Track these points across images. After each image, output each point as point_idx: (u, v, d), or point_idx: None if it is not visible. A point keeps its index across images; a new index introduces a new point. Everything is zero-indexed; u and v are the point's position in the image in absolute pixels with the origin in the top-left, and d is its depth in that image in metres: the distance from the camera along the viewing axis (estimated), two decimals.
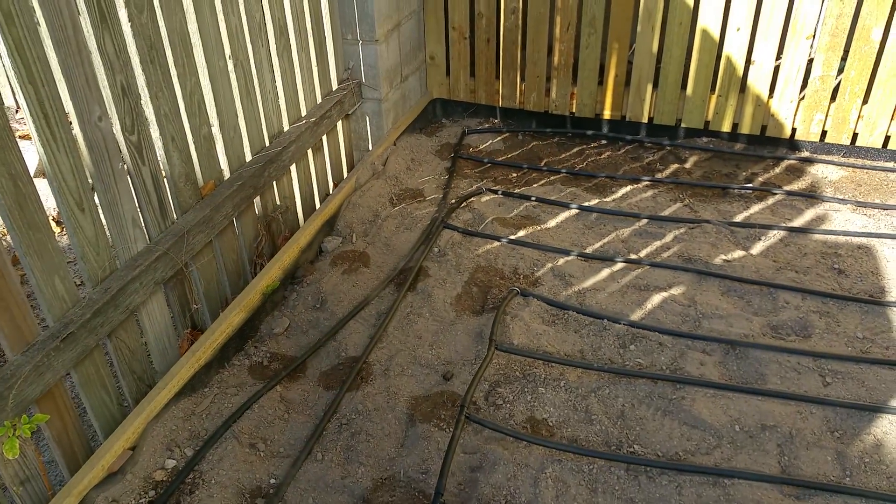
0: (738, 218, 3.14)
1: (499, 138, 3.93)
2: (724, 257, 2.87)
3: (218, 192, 2.49)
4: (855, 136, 3.51)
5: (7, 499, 1.96)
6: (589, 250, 2.98)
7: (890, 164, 3.49)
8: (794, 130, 3.58)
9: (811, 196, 3.26)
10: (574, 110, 3.87)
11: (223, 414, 2.18)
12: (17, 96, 1.76)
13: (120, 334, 2.10)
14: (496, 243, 3.00)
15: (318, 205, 3.21)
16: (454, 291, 2.73)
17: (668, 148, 3.74)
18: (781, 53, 3.44)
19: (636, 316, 2.60)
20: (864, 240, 2.96)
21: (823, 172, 3.47)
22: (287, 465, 2.04)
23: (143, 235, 2.20)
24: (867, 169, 3.47)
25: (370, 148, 3.55)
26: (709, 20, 3.42)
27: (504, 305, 2.60)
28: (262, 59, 2.72)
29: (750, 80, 3.51)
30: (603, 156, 3.73)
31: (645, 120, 3.77)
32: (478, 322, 2.59)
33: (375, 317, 2.61)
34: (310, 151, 3.07)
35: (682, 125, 3.72)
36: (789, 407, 2.20)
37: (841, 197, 3.26)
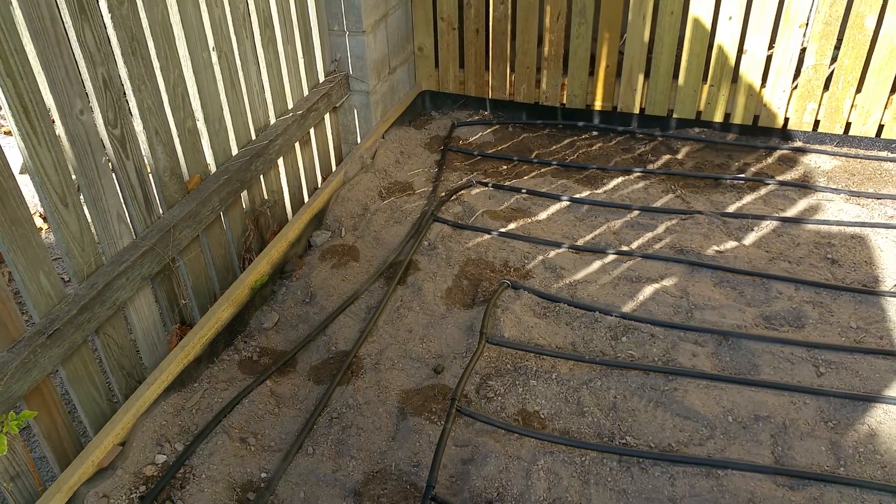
0: (731, 208, 3.18)
1: (489, 130, 3.96)
2: (716, 248, 2.91)
3: (204, 186, 2.51)
4: (848, 125, 3.56)
5: None
6: (580, 242, 3.01)
7: (884, 154, 3.53)
8: (786, 120, 3.62)
9: (804, 186, 3.30)
10: (565, 101, 3.90)
11: (213, 409, 2.21)
12: None
13: (107, 330, 2.12)
14: (486, 236, 3.03)
15: (306, 199, 3.23)
16: (444, 285, 2.76)
17: (660, 139, 3.78)
18: (774, 42, 3.48)
19: (628, 308, 2.63)
20: (857, 229, 3.00)
21: (816, 162, 3.51)
22: (278, 459, 2.07)
23: (128, 231, 2.21)
24: (861, 158, 3.51)
25: (359, 141, 3.57)
26: (700, 9, 3.45)
27: (495, 298, 2.63)
28: (246, 50, 2.73)
29: (742, 70, 3.54)
30: (594, 147, 3.76)
31: (636, 111, 3.80)
32: (468, 315, 2.62)
33: (365, 311, 2.63)
34: (297, 145, 3.09)
35: (674, 116, 3.76)
36: (783, 397, 2.24)
37: (834, 187, 3.30)
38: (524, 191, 3.35)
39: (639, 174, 3.48)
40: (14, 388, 1.77)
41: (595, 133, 3.89)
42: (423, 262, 2.87)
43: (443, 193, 3.33)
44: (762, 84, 3.56)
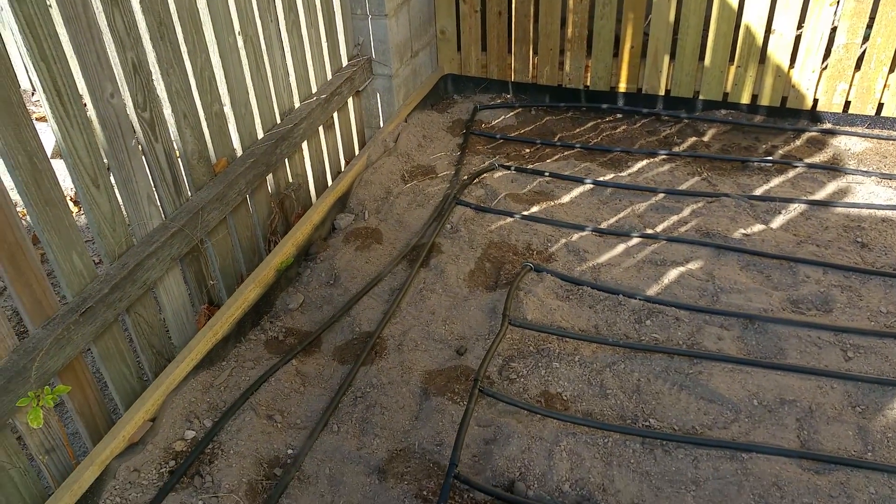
0: (758, 191, 3.15)
1: (511, 114, 3.95)
2: (743, 231, 2.89)
3: (231, 169, 2.55)
4: (881, 106, 3.49)
5: (34, 468, 2.06)
6: (604, 225, 3.01)
7: None
8: (815, 101, 3.57)
9: (833, 168, 3.26)
10: (588, 84, 3.88)
11: (241, 386, 2.26)
12: (30, 75, 1.82)
13: (138, 309, 2.18)
14: (509, 219, 3.04)
15: (330, 182, 3.26)
16: (467, 267, 2.78)
17: (686, 121, 3.74)
18: (803, 21, 3.42)
19: (652, 291, 2.63)
20: (888, 212, 2.96)
21: (846, 144, 3.46)
22: (304, 437, 2.11)
23: (158, 212, 2.26)
24: (893, 140, 3.45)
25: (381, 125, 3.59)
26: None
27: (517, 281, 2.64)
28: (271, 35, 2.76)
29: (770, 50, 3.49)
30: (618, 130, 3.74)
31: (662, 92, 3.77)
32: (491, 298, 2.64)
33: (389, 293, 2.66)
34: (321, 128, 3.12)
35: (700, 97, 3.72)
36: (809, 381, 2.23)
37: (865, 169, 3.25)
38: (547, 174, 3.35)
39: (664, 157, 3.46)
40: (48, 364, 1.84)
41: (619, 115, 3.87)
42: (445, 245, 2.89)
43: (465, 177, 3.34)
44: (791, 64, 3.51)
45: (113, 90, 2.02)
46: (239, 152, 2.64)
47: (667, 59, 3.66)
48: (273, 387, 2.25)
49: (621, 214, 3.08)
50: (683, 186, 3.23)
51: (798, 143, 3.50)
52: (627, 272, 2.74)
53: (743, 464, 2.00)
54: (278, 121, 2.84)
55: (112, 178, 2.07)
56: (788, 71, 3.52)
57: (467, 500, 1.96)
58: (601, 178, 3.30)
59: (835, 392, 2.20)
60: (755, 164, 3.34)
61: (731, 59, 3.59)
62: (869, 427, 2.09)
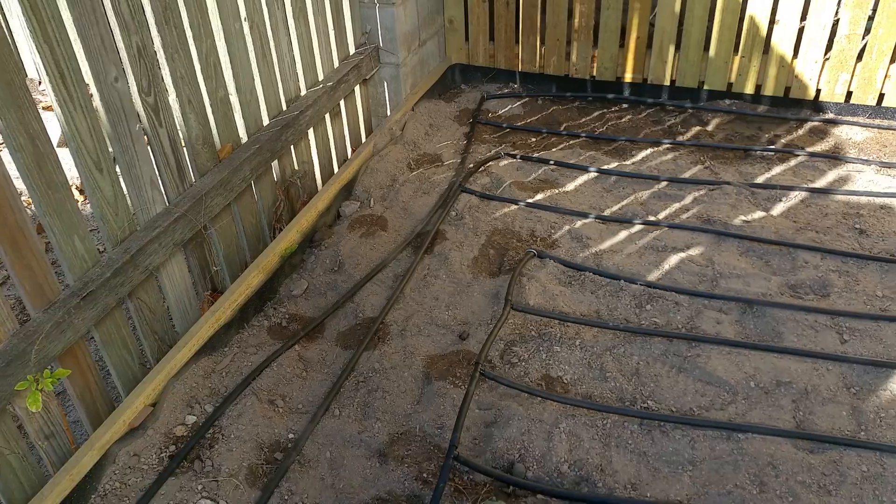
0: (760, 179, 3.07)
1: (518, 103, 3.87)
2: (743, 218, 2.81)
3: (236, 155, 2.49)
4: (881, 96, 3.39)
5: (34, 454, 2.01)
6: (607, 213, 2.94)
7: None
8: (818, 91, 3.47)
9: (834, 157, 3.17)
10: (595, 74, 3.79)
11: (242, 372, 2.21)
12: (34, 60, 1.76)
13: (140, 295, 2.13)
14: (513, 206, 2.97)
15: (336, 170, 3.20)
16: (471, 254, 2.71)
17: (691, 111, 3.65)
18: (807, 12, 3.32)
19: (653, 276, 2.56)
20: (887, 200, 2.87)
21: (848, 134, 3.36)
22: (305, 421, 2.06)
23: (161, 197, 2.21)
24: (893, 130, 3.35)
25: (388, 113, 3.53)
26: None
27: (520, 267, 2.58)
28: (277, 21, 2.70)
29: (774, 41, 3.40)
30: (624, 119, 3.66)
31: (667, 83, 3.68)
32: (494, 283, 2.57)
33: (393, 279, 2.61)
34: (327, 116, 3.05)
35: (705, 87, 3.63)
36: (805, 364, 2.17)
37: (865, 158, 3.16)
38: (552, 162, 3.27)
39: (668, 146, 3.38)
40: (49, 348, 1.79)
41: (625, 105, 3.78)
42: (450, 232, 2.83)
43: (471, 165, 3.27)
44: (794, 55, 3.41)
45: (117, 74, 1.97)
46: (244, 139, 2.58)
47: (672, 49, 3.57)
48: (275, 372, 2.19)
49: (624, 202, 3.00)
50: (686, 175, 3.15)
51: (800, 132, 3.40)
52: (629, 258, 2.67)
53: (739, 444, 1.95)
54: (284, 108, 2.78)
55: (115, 163, 2.01)
56: (792, 61, 3.42)
57: (467, 481, 1.90)
58: (605, 167, 3.23)
59: (830, 374, 2.14)
60: (757, 152, 3.25)
61: (736, 50, 3.49)
62: (862, 407, 2.04)
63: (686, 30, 3.49)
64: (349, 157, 3.31)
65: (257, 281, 2.44)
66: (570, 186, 3.13)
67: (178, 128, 2.27)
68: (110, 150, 1.99)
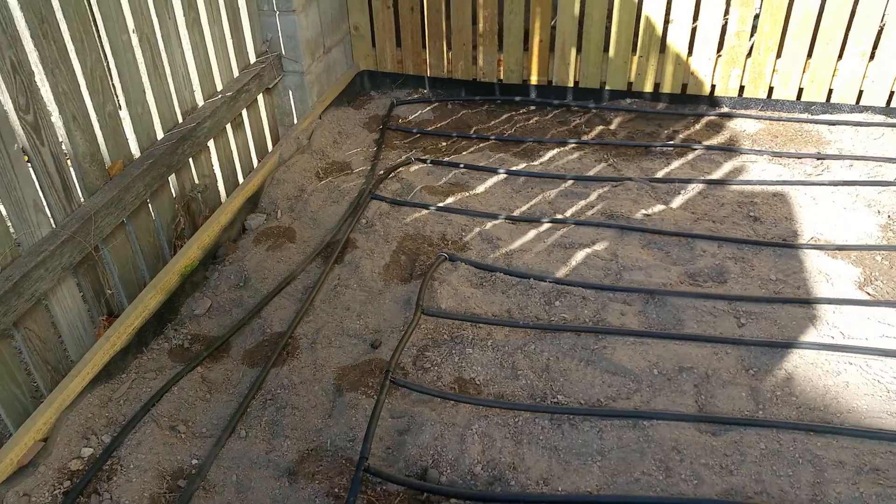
0: (660, 174, 3.17)
1: (428, 108, 3.88)
2: (644, 212, 2.89)
3: (127, 171, 2.39)
4: (771, 89, 3.57)
5: None
6: (516, 213, 2.97)
7: (804, 116, 3.55)
8: (713, 87, 3.61)
9: (729, 149, 3.30)
10: (502, 77, 3.84)
11: (141, 398, 2.11)
12: None
13: (28, 324, 2.00)
14: (424, 211, 2.96)
15: (241, 182, 3.11)
16: (382, 261, 2.69)
17: (594, 110, 3.74)
18: (699, 12, 3.45)
19: (561, 273, 2.60)
20: (778, 188, 3.02)
21: (742, 126, 3.52)
22: (209, 445, 1.99)
23: (46, 220, 2.09)
24: (783, 121, 3.53)
25: (295, 122, 3.46)
26: None
27: (432, 271, 2.57)
28: (169, 32, 2.60)
29: (669, 40, 3.52)
30: (531, 121, 3.71)
31: (571, 84, 3.76)
32: (406, 289, 2.56)
33: (302, 291, 2.55)
34: (229, 127, 2.97)
35: (607, 87, 3.72)
36: (705, 349, 2.24)
37: (758, 148, 3.31)
38: (462, 166, 3.28)
39: (574, 145, 3.45)
40: None
41: (532, 107, 3.84)
42: (360, 240, 2.79)
43: (381, 171, 3.25)
44: (689, 53, 3.55)
45: None
46: (137, 154, 2.48)
47: (574, 51, 3.65)
48: (176, 396, 2.10)
49: (533, 201, 3.04)
50: (591, 172, 3.22)
51: (697, 127, 3.54)
52: (538, 256, 2.70)
53: (644, 431, 1.99)
54: (180, 120, 2.69)
55: None
56: (687, 59, 3.55)
57: (380, 492, 1.88)
58: (514, 168, 3.26)
59: (729, 357, 2.22)
60: (657, 148, 3.36)
61: (634, 50, 3.60)
62: (760, 387, 2.12)
63: (586, 32, 3.58)
64: (255, 168, 3.22)
65: (155, 302, 2.34)
66: (481, 189, 3.15)
67: (64, 146, 2.15)
68: None
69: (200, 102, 2.82)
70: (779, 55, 3.47)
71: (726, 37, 3.46)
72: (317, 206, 2.99)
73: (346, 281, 2.59)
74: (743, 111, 3.62)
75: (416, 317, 2.37)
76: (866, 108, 3.47)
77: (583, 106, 3.77)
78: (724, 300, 2.42)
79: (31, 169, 2.03)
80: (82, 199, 2.22)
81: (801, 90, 3.52)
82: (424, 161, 3.34)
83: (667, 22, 3.50)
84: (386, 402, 2.10)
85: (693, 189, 3.03)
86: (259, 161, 3.23)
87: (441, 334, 2.37)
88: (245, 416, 2.08)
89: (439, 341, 2.34)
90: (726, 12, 3.43)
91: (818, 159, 3.19)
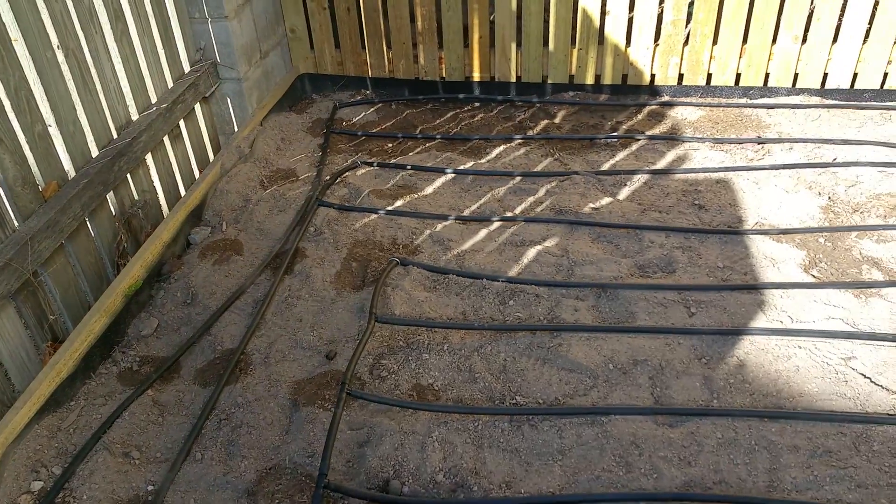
0: (605, 166, 3.23)
1: (372, 109, 3.87)
2: (592, 205, 2.95)
3: (63, 192, 2.32)
4: (709, 76, 3.67)
5: None
6: (466, 213, 2.99)
7: (743, 101, 3.66)
8: (653, 76, 3.70)
9: (672, 138, 3.39)
10: (444, 75, 3.85)
11: (92, 426, 2.06)
12: None
13: None
14: (374, 216, 2.96)
15: (183, 195, 3.06)
16: (333, 269, 2.68)
17: (538, 105, 3.79)
18: (634, 2, 3.52)
19: (514, 272, 2.64)
20: (721, 174, 3.11)
21: (683, 114, 3.61)
22: (165, 470, 1.95)
23: None
24: (723, 107, 3.63)
25: (235, 130, 3.41)
26: None
27: (384, 277, 2.58)
28: (97, 46, 2.53)
29: (607, 31, 3.58)
30: (476, 118, 3.74)
31: (513, 79, 3.79)
32: (359, 297, 2.55)
33: (252, 305, 2.52)
34: (166, 139, 2.91)
35: (549, 81, 3.77)
36: (658, 340, 2.30)
37: (699, 136, 3.40)
38: (409, 167, 3.29)
39: (520, 141, 3.48)
40: None
41: (476, 104, 3.86)
42: (310, 249, 2.78)
43: (327, 177, 3.23)
44: (627, 43, 3.62)
45: None
46: (71, 173, 2.41)
47: (514, 46, 3.68)
48: (128, 422, 2.06)
49: (482, 200, 3.07)
50: (538, 168, 3.26)
51: (640, 116, 3.62)
52: (490, 256, 2.73)
53: (603, 427, 2.04)
54: (114, 136, 2.62)
55: None
56: (626, 50, 3.62)
57: None
58: (462, 167, 3.28)
59: (682, 347, 2.28)
60: (602, 140, 3.43)
61: (574, 43, 3.65)
62: (713, 376, 2.19)
63: (525, 26, 3.61)
64: (197, 180, 3.17)
65: (101, 325, 2.28)
66: (429, 190, 3.16)
67: None
68: None
69: (135, 116, 2.76)
70: (715, 42, 3.56)
71: (663, 26, 3.54)
72: (263, 215, 2.95)
73: (298, 292, 2.57)
74: (683, 99, 3.71)
75: (371, 325, 2.38)
76: (802, 91, 3.60)
77: (527, 101, 3.81)
78: (673, 290, 2.49)
79: None
80: (16, 224, 2.15)
81: (738, 76, 3.63)
82: (371, 164, 3.33)
83: (604, 14, 3.56)
84: (344, 415, 2.10)
85: (638, 180, 3.11)
86: (201, 172, 3.17)
87: (397, 341, 2.38)
88: (200, 437, 2.05)
89: (395, 348, 2.35)
90: (661, 1, 3.51)
91: (759, 143, 3.30)
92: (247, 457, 1.99)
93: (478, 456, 1.99)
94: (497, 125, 3.65)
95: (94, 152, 2.52)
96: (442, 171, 3.26)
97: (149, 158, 2.80)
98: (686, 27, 3.55)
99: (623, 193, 3.03)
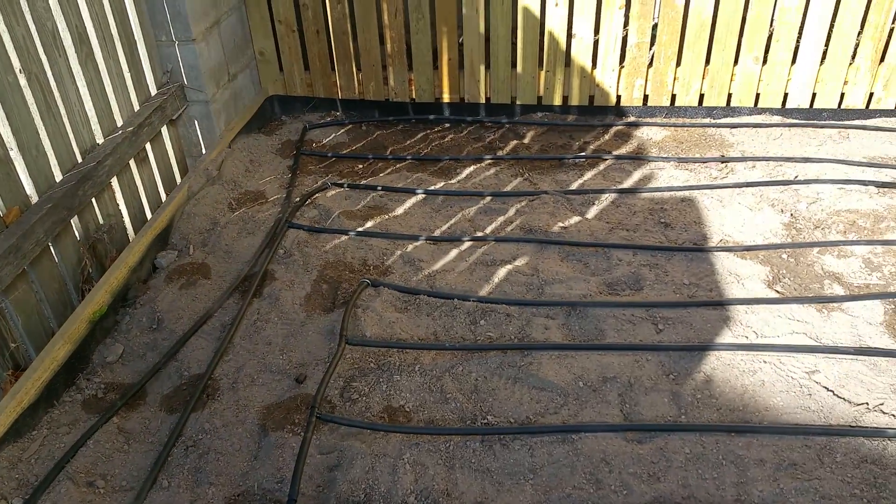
0: (574, 186, 3.29)
1: (342, 131, 3.89)
2: (561, 224, 3.00)
3: (25, 218, 2.30)
4: (674, 97, 3.76)
5: None
6: (437, 233, 3.02)
7: (706, 121, 3.77)
8: (619, 98, 3.78)
9: (638, 158, 3.46)
10: (414, 96, 3.89)
11: (55, 455, 2.03)
12: None
13: None
14: (344, 237, 2.97)
15: (149, 218, 3.04)
16: (303, 291, 2.68)
17: (507, 125, 3.85)
18: (599, 26, 3.61)
19: (484, 291, 2.66)
20: (686, 193, 3.18)
21: (648, 134, 3.70)
22: (131, 499, 1.93)
23: None
24: (687, 127, 3.73)
25: (203, 153, 3.40)
26: None
27: (354, 298, 2.58)
28: (61, 70, 2.53)
29: (573, 54, 3.66)
30: (447, 139, 3.78)
31: (483, 100, 3.85)
32: (329, 319, 2.56)
33: (220, 329, 2.51)
34: (132, 163, 2.89)
35: (518, 102, 3.83)
36: (627, 357, 2.34)
37: (665, 155, 3.48)
38: (380, 188, 3.31)
39: (489, 161, 3.53)
40: None
41: (447, 125, 3.91)
42: (279, 272, 2.77)
43: (297, 199, 3.23)
44: (593, 66, 3.70)
45: None
46: (34, 198, 2.39)
47: (483, 68, 3.75)
48: (92, 450, 2.03)
49: (453, 220, 3.10)
50: (508, 188, 3.31)
51: (607, 137, 3.69)
52: (461, 276, 2.76)
53: (574, 445, 2.06)
54: (79, 160, 2.61)
55: None
56: (592, 72, 3.70)
57: None
58: (432, 187, 3.32)
59: (650, 364, 2.32)
60: (570, 160, 3.49)
61: (541, 65, 3.73)
62: (681, 392, 2.22)
63: (493, 49, 3.68)
64: (163, 203, 3.15)
65: (64, 352, 2.25)
66: (400, 210, 3.18)
67: None
68: None
69: (100, 140, 2.74)
70: (678, 63, 3.67)
71: (627, 48, 3.64)
72: (231, 238, 2.95)
73: (267, 315, 2.57)
74: (649, 119, 3.80)
75: (341, 347, 2.38)
76: (764, 110, 3.72)
77: (496, 122, 3.87)
78: (641, 307, 2.53)
79: None
80: None
81: (702, 96, 3.73)
82: (341, 185, 3.35)
83: (570, 36, 3.65)
84: (314, 439, 2.09)
85: (606, 199, 3.16)
86: (167, 195, 3.16)
87: (367, 363, 2.38)
88: (166, 465, 2.02)
89: (366, 370, 2.35)
90: (626, 24, 3.61)
91: (722, 162, 3.39)
92: (214, 483, 1.97)
93: (449, 477, 2.00)
94: (467, 146, 3.70)
95: (58, 177, 2.51)
96: (412, 192, 3.29)
97: (114, 182, 2.78)
98: (650, 49, 3.64)
99: (591, 212, 3.09)
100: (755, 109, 3.72)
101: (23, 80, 2.35)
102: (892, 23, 3.44)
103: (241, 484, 1.98)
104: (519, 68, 3.72)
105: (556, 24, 3.59)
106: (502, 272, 2.75)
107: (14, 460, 2.00)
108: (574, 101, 3.79)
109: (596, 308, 2.52)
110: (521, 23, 3.60)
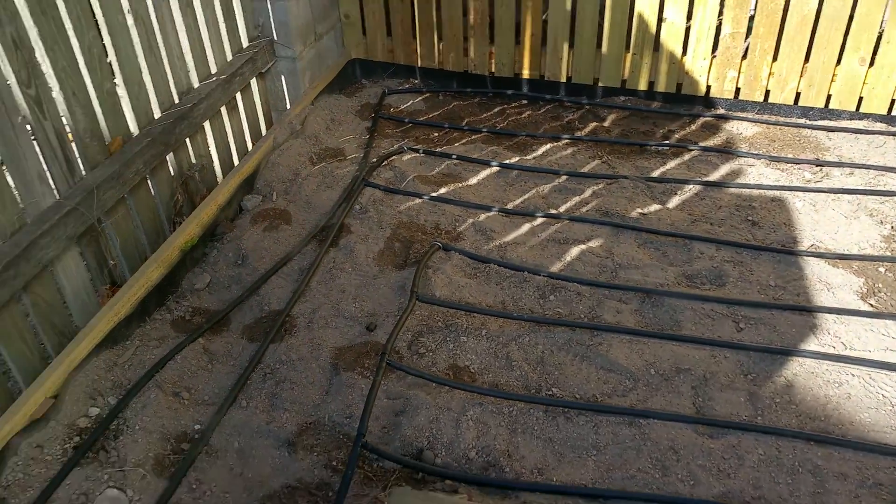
0: (655, 173, 3.39)
1: (419, 98, 4.08)
2: (640, 211, 3.12)
3: (127, 148, 2.57)
4: (767, 92, 3.78)
5: None
6: (510, 206, 3.18)
7: (802, 121, 3.74)
8: (708, 88, 3.84)
9: (726, 152, 3.52)
10: (493, 70, 4.03)
11: (146, 364, 2.32)
12: None
13: (36, 289, 2.21)
14: (418, 200, 3.16)
15: (236, 163, 3.31)
16: (376, 247, 2.89)
17: (587, 107, 3.96)
18: (692, 11, 3.68)
19: (556, 268, 2.81)
20: (777, 193, 3.21)
21: (738, 129, 3.75)
22: (212, 412, 2.18)
23: (51, 191, 2.27)
24: (780, 125, 3.72)
25: (288, 107, 3.65)
26: None
27: (426, 259, 2.77)
28: (164, 15, 2.78)
29: (663, 38, 3.74)
30: (523, 115, 3.92)
31: (563, 79, 3.96)
32: (400, 276, 2.76)
33: (298, 272, 2.75)
34: (223, 109, 3.15)
35: (600, 84, 3.94)
36: (703, 351, 2.41)
37: (755, 152, 3.51)
38: (455, 157, 3.49)
39: (567, 141, 3.66)
40: None
41: (524, 101, 4.04)
42: (354, 226, 2.99)
43: (374, 159, 3.44)
44: (683, 52, 3.76)
45: None
46: (135, 131, 2.66)
47: (566, 46, 3.85)
48: (179, 365, 2.31)
49: (526, 195, 3.26)
50: (585, 169, 3.44)
51: (693, 127, 3.77)
52: (532, 250, 2.91)
53: (641, 429, 2.16)
54: (176, 100, 2.87)
55: None
56: (681, 59, 3.78)
57: (376, 468, 2.07)
58: (507, 161, 3.47)
59: (727, 361, 2.40)
60: (653, 147, 3.59)
61: (627, 47, 3.80)
62: (759, 393, 2.28)
63: (578, 27, 3.78)
64: (250, 151, 3.41)
65: (157, 275, 2.54)
66: (473, 180, 3.36)
67: (65, 120, 2.33)
68: None
69: (196, 84, 3.01)
70: (775, 58, 3.68)
71: (721, 38, 3.69)
72: (311, 190, 3.18)
73: (342, 264, 2.79)
74: (739, 113, 3.85)
75: (412, 302, 2.57)
76: (866, 116, 3.65)
77: (576, 102, 3.99)
78: (722, 303, 2.59)
79: (34, 142, 2.21)
80: (84, 173, 2.40)
81: (798, 94, 3.72)
82: (417, 150, 3.54)
83: (660, 20, 3.71)
84: (382, 384, 2.29)
85: (690, 190, 3.26)
86: (254, 144, 3.42)
87: (436, 321, 2.57)
88: (245, 387, 2.28)
89: (434, 328, 2.54)
90: (720, 13, 3.67)
91: (817, 165, 3.38)
92: (288, 410, 2.20)
93: (511, 440, 2.15)
94: (544, 124, 3.83)
95: (157, 114, 2.77)
96: (487, 164, 3.45)
97: (207, 126, 3.05)
98: (745, 41, 3.70)
99: (673, 202, 3.19)
100: (856, 114, 3.67)
101: (130, 20, 2.61)
102: None
103: (313, 414, 2.20)
104: (604, 49, 3.82)
105: (646, 6, 3.66)
106: (575, 251, 2.89)
107: (110, 364, 2.31)
108: (660, 88, 3.88)
109: (673, 298, 2.61)
110: (610, 2, 3.67)
